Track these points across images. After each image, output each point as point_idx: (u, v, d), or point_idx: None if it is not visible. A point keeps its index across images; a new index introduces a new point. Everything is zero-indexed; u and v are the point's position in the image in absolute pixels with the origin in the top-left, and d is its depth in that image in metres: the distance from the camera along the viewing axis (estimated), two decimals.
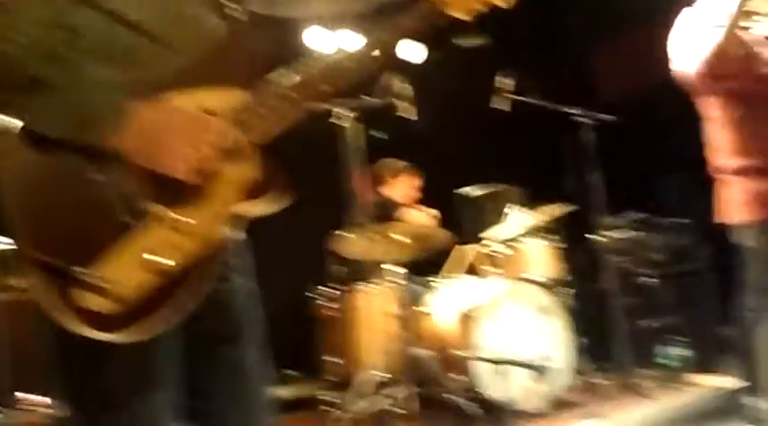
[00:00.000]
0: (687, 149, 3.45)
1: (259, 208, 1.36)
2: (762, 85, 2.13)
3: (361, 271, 4.10)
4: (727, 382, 3.84)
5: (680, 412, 3.68)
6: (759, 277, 2.31)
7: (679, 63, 2.29)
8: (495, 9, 1.51)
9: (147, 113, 1.22)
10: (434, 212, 4.49)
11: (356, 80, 1.42)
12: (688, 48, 2.24)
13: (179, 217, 1.24)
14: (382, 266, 3.83)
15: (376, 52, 1.42)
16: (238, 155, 1.30)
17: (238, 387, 1.42)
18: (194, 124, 1.25)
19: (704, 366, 4.26)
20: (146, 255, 1.20)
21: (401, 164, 4.59)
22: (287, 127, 1.37)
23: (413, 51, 5.59)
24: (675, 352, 4.32)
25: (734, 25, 2.08)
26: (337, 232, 3.80)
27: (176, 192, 1.24)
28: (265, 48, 1.42)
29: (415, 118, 3.84)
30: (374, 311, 3.90)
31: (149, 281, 1.20)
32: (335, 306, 4.11)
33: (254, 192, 1.33)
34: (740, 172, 2.24)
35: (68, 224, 1.20)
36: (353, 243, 3.79)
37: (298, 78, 1.37)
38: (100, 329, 1.18)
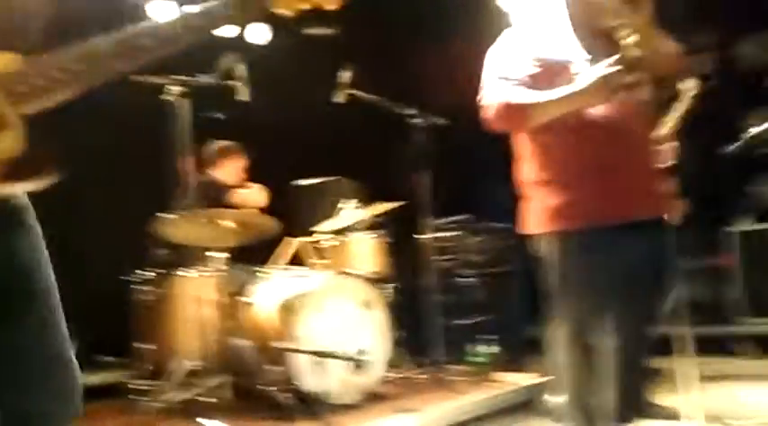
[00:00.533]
0: (508, 157, 3.65)
1: (21, 185, 1.27)
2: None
3: (184, 257, 3.97)
4: (531, 379, 4.09)
5: (486, 406, 3.87)
6: (551, 284, 2.46)
7: (489, 86, 2.33)
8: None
9: None
10: (261, 187, 4.44)
11: (157, 59, 1.35)
12: (496, 76, 2.31)
13: None
14: (206, 252, 3.71)
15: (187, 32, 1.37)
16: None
17: (10, 372, 1.31)
18: None
19: (512, 363, 4.51)
20: None
21: (228, 144, 4.49)
22: (66, 100, 1.28)
23: (257, 32, 5.49)
24: (485, 350, 4.54)
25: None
26: (160, 215, 3.65)
27: None
28: (50, 12, 1.32)
29: (247, 99, 3.76)
30: (193, 298, 3.78)
31: None
32: (153, 291, 3.95)
33: (16, 168, 1.23)
34: (539, 184, 2.38)
35: None
36: (176, 226, 3.65)
37: (83, 51, 1.29)
38: None
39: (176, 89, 3.57)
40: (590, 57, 2.17)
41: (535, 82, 2.24)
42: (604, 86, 2.08)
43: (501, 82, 2.25)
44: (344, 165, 4.96)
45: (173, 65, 3.58)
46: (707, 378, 4.01)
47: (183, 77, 3.56)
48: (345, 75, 4.25)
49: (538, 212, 2.40)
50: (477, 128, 4.58)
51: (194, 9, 1.40)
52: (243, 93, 3.70)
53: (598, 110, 2.27)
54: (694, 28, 4.64)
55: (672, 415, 3.22)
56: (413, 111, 4.25)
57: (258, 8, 1.45)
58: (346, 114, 4.45)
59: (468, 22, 4.82)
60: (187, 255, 3.95)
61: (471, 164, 5.57)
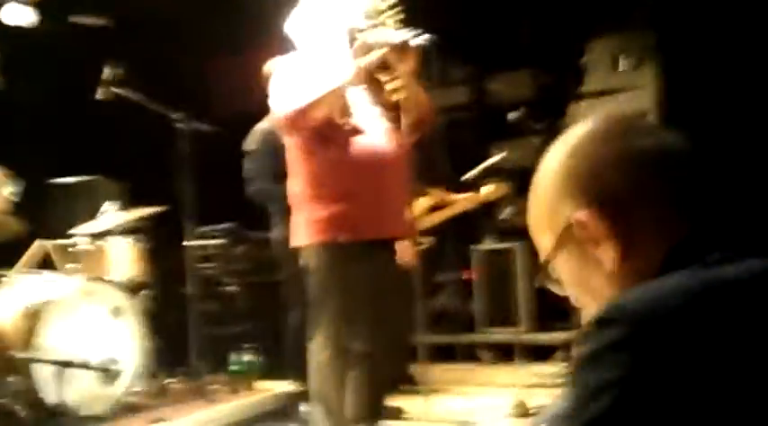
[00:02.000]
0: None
1: None
2: (335, 132, 2.47)
3: None
4: (289, 387, 4.17)
5: (240, 414, 3.89)
6: (313, 292, 2.60)
7: (276, 103, 2.50)
8: None
9: None
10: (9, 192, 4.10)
11: None
12: (285, 92, 2.48)
13: None
14: None
15: None
16: None
17: None
18: None
19: (273, 372, 4.56)
20: None
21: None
22: None
23: (21, 14, 5.03)
24: (246, 358, 4.56)
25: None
26: None
27: None
28: None
29: (1, 88, 3.48)
30: None
31: None
32: None
33: None
34: (307, 199, 2.54)
35: None
36: None
37: None
38: None
39: None
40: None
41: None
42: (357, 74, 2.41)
43: (286, 95, 2.45)
44: (107, 166, 4.73)
45: None
46: (449, 383, 4.39)
47: None
48: (111, 72, 4.08)
49: (303, 224, 2.54)
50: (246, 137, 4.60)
51: None
52: None
53: (368, 139, 2.50)
54: (450, 64, 5.09)
55: (395, 415, 3.48)
56: (179, 115, 4.17)
57: None
58: (112, 112, 4.27)
59: (250, 37, 4.86)
60: None
61: (239, 173, 5.56)
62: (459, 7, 5.14)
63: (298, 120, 2.45)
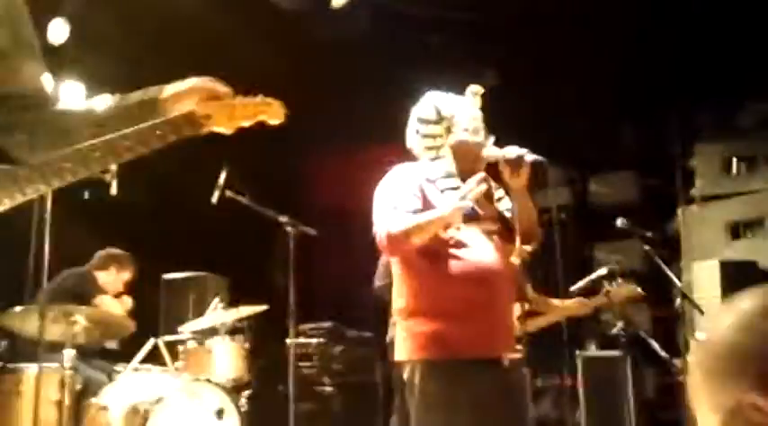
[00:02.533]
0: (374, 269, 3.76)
1: None
2: (442, 245, 2.43)
3: (27, 351, 3.73)
4: None
5: None
6: (413, 408, 2.53)
7: (377, 218, 2.45)
8: None
9: None
10: (129, 303, 4.48)
11: None
12: (387, 208, 2.44)
13: None
14: (61, 350, 3.51)
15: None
16: None
17: None
18: None
19: None
20: None
21: (121, 254, 4.58)
22: None
23: None
24: None
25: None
26: (15, 307, 3.47)
27: None
28: None
29: (114, 191, 3.67)
30: (39, 397, 3.52)
31: None
32: None
33: None
34: (410, 313, 2.49)
35: None
36: (23, 319, 3.46)
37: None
38: None
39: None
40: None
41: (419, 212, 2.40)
42: (459, 211, 2.33)
43: (389, 212, 2.40)
44: (214, 263, 4.90)
45: None
46: None
47: None
48: (223, 176, 4.27)
49: (406, 339, 2.49)
50: (348, 238, 4.69)
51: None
52: (113, 188, 3.62)
53: (475, 254, 2.44)
54: (553, 165, 5.05)
55: None
56: (286, 218, 4.29)
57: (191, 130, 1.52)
58: (221, 212, 4.45)
59: (357, 139, 5.04)
60: (31, 350, 3.71)
61: (339, 273, 5.64)
62: (561, 108, 5.16)
63: (395, 245, 2.39)
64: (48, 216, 3.26)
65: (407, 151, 2.68)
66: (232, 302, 4.39)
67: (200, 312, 4.46)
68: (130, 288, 4.59)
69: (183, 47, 5.26)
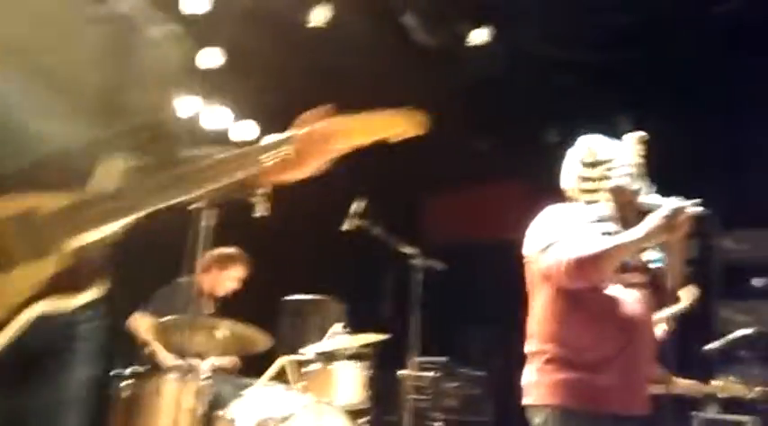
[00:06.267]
0: (493, 307, 3.80)
1: (75, 297, 1.39)
2: (592, 292, 2.41)
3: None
4: None
5: None
6: None
7: (556, 251, 2.40)
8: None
9: None
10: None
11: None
12: (559, 235, 2.41)
13: None
14: (198, 360, 3.72)
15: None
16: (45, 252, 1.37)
17: None
18: None
19: None
20: None
21: (228, 253, 4.56)
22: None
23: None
24: None
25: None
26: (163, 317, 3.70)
27: None
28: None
29: (266, 214, 3.85)
30: (174, 403, 3.73)
31: None
32: (136, 389, 3.89)
33: (68, 282, 1.38)
34: (546, 357, 2.47)
35: None
36: (170, 329, 3.67)
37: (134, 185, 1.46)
38: None
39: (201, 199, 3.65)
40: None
41: None
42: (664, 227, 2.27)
43: (563, 241, 2.37)
44: (336, 288, 5.04)
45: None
46: None
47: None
48: (359, 206, 4.40)
49: (539, 383, 2.48)
50: (467, 275, 4.72)
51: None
52: (262, 209, 3.80)
53: (621, 305, 2.41)
54: None
55: None
56: (414, 251, 4.38)
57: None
58: (350, 240, 4.58)
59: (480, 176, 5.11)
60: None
61: (458, 308, 5.68)
62: (696, 160, 5.05)
63: (584, 271, 2.31)
64: (203, 229, 3.47)
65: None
66: (353, 329, 4.49)
67: (318, 335, 4.57)
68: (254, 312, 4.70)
69: (328, 78, 5.49)
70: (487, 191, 5.57)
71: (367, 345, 4.48)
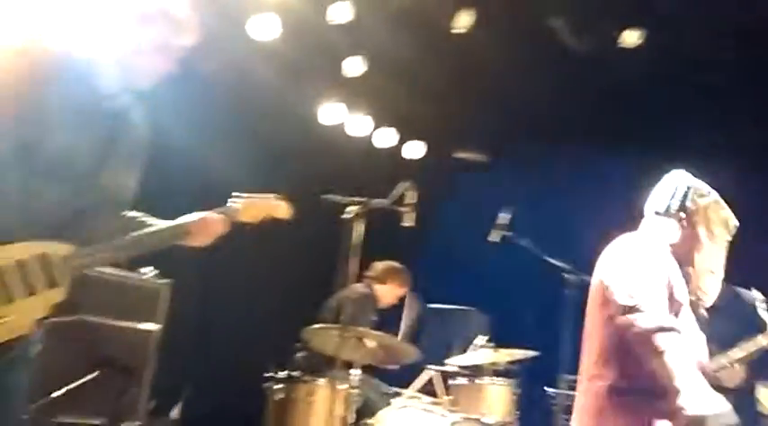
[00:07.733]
0: None
1: None
2: None
3: (322, 366, 3.99)
4: None
5: None
6: None
7: (612, 296, 2.37)
8: None
9: None
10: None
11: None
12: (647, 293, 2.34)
13: None
14: (348, 369, 3.71)
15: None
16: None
17: None
18: None
19: None
20: None
21: (398, 267, 4.77)
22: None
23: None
24: None
25: None
26: (315, 325, 3.73)
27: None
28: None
29: (412, 224, 3.82)
30: (326, 410, 3.74)
31: None
32: (290, 392, 3.94)
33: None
34: (616, 394, 2.37)
35: None
36: (324, 336, 3.69)
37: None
38: None
39: (354, 209, 3.65)
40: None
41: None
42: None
43: (646, 311, 2.31)
44: (480, 299, 4.94)
45: (356, 187, 3.76)
46: None
47: (361, 199, 3.66)
48: (505, 217, 4.29)
49: (621, 415, 2.36)
50: None
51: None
52: (409, 219, 3.77)
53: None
54: None
55: None
56: (567, 265, 4.21)
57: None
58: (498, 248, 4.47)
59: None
60: (325, 365, 3.96)
61: None
62: None
63: (649, 352, 2.25)
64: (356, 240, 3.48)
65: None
66: (496, 343, 4.37)
67: (461, 346, 4.49)
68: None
69: (467, 87, 5.42)
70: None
71: (513, 361, 4.36)
